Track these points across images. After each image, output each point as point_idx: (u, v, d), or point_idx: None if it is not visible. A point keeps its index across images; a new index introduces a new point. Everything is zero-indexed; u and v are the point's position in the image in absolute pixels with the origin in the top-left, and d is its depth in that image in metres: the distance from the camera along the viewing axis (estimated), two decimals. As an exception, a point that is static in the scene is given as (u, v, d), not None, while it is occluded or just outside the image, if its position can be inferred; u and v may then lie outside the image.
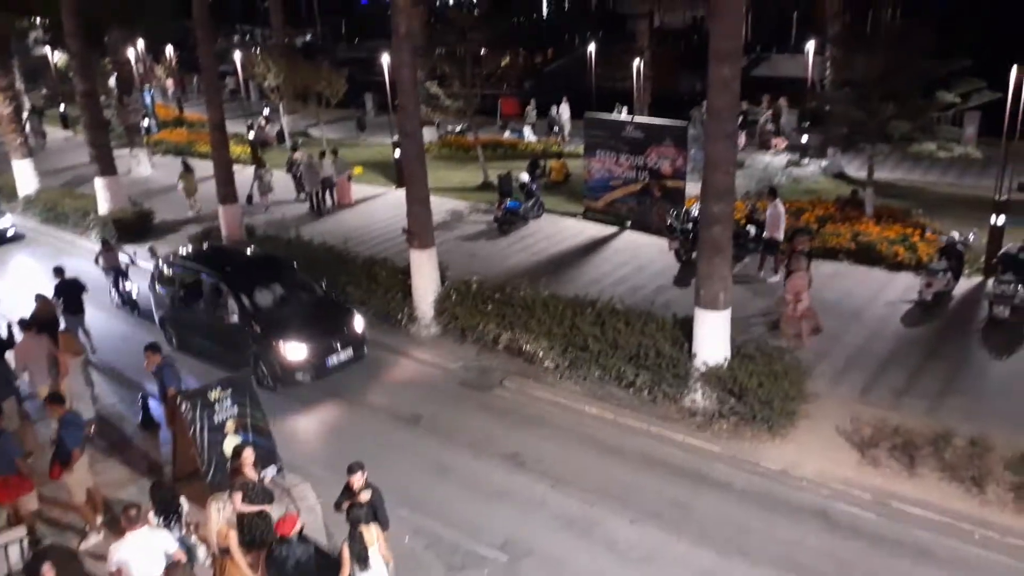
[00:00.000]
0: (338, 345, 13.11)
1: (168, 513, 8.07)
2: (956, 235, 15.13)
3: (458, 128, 31.20)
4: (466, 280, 14.98)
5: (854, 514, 9.47)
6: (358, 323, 13.61)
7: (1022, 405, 11.26)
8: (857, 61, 17.85)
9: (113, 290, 16.69)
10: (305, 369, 12.77)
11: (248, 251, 16.18)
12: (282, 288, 13.87)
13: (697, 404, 11.50)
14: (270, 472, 10.07)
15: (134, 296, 16.39)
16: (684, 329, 12.15)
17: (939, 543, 8.91)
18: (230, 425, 9.95)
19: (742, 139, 25.32)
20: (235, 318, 13.11)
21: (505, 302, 13.85)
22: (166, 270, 14.71)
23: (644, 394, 11.88)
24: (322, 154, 23.27)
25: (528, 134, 31.15)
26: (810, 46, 27.79)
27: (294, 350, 12.68)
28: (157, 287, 14.89)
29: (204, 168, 23.78)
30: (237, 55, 35.61)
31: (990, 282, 14.24)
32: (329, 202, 23.09)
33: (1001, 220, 15.27)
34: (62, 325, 13.62)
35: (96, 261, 16.78)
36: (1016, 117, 14.76)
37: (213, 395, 9.95)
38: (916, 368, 12.52)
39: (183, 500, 8.37)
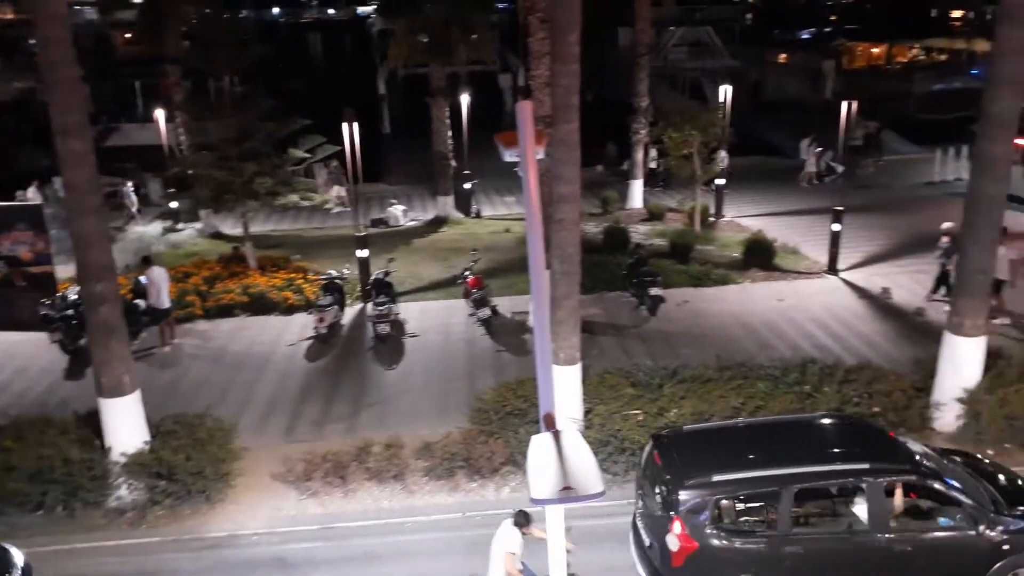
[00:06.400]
0: None
1: None
2: (333, 272, 17.09)
3: None
4: None
5: (306, 548, 9.84)
6: None
7: (416, 402, 13.25)
8: (208, 126, 18.51)
9: None
10: None
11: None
12: None
13: (125, 500, 10.50)
14: None
15: None
16: (92, 425, 10.94)
17: (381, 543, 9.85)
18: None
19: None
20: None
21: None
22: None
23: (59, 511, 10.34)
24: None
25: None
26: (160, 114, 27.67)
27: None
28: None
29: None
30: None
31: (369, 306, 16.35)
32: None
33: (365, 253, 17.64)
34: None
35: None
36: (356, 165, 17.20)
37: None
38: (328, 396, 13.64)
39: None
